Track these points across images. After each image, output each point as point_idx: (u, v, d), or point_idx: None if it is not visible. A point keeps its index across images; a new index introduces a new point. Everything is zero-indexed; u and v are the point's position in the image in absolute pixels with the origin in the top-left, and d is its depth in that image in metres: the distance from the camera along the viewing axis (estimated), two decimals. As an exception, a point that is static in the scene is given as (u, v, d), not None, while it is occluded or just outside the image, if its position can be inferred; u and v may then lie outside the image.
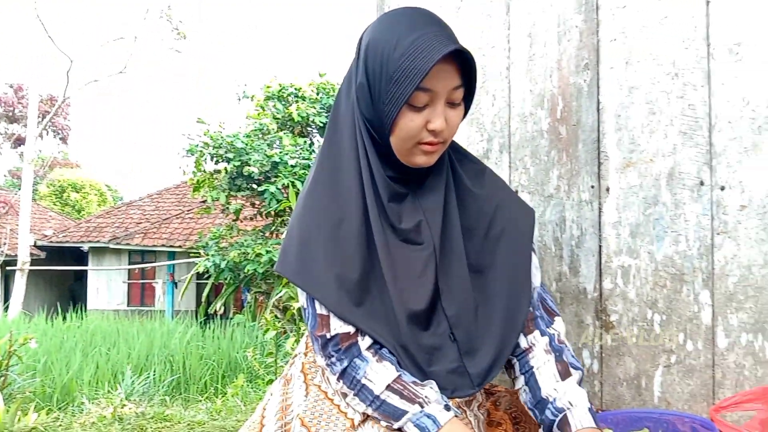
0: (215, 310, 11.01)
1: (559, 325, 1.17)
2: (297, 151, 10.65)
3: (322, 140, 1.18)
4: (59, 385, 5.86)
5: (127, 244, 16.05)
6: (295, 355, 1.24)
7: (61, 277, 18.37)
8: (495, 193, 1.18)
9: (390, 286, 1.06)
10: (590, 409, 1.07)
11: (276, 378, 1.27)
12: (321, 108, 11.38)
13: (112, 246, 16.20)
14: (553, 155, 1.50)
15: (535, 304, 1.17)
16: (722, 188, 1.25)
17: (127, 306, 16.65)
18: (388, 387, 1.03)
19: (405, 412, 1.01)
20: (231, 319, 10.08)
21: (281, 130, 11.21)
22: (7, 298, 14.49)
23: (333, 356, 1.06)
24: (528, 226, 1.18)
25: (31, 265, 15.07)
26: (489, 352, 1.10)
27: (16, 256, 15.14)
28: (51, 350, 7.09)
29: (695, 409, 1.27)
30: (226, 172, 10.54)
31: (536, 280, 1.18)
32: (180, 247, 15.23)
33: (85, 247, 16.49)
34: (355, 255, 1.06)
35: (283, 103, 11.46)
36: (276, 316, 6.72)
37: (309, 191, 1.12)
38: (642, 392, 1.35)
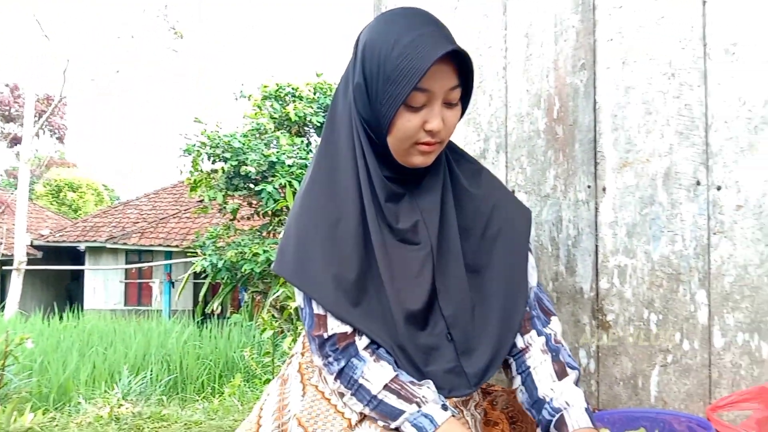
0: (212, 310, 10.99)
1: (555, 325, 1.17)
2: (294, 150, 10.64)
3: (319, 140, 1.18)
4: (56, 385, 5.84)
5: (124, 243, 16.02)
6: (292, 355, 1.24)
7: (58, 276, 18.34)
8: (492, 193, 1.18)
9: (387, 286, 1.06)
10: (587, 409, 1.07)
11: (273, 378, 1.26)
12: (318, 108, 11.37)
13: (108, 245, 16.17)
14: (549, 155, 1.50)
15: (532, 304, 1.17)
16: (718, 188, 1.25)
17: (124, 306, 16.62)
18: (386, 387, 1.03)
19: (402, 412, 1.01)
20: (228, 318, 10.06)
21: (278, 130, 11.20)
22: (3, 298, 14.45)
23: (330, 356, 1.06)
24: (524, 226, 1.19)
25: (27, 264, 15.04)
26: (486, 351, 1.10)
27: (12, 255, 15.12)
28: (47, 350, 7.07)
29: (692, 408, 1.27)
30: (223, 171, 10.53)
31: (533, 279, 1.18)
32: (177, 246, 15.21)
33: (82, 246, 16.45)
34: (352, 255, 1.06)
35: (281, 102, 11.45)
36: (273, 316, 6.71)
37: (306, 191, 1.12)
38: (639, 392, 1.35)
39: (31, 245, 16.27)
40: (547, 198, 1.51)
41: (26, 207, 15.27)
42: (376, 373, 1.03)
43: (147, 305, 16.54)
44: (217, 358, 7.34)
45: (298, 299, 1.11)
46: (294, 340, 4.72)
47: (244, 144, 10.44)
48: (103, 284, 16.87)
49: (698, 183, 1.27)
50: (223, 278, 10.32)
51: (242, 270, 9.76)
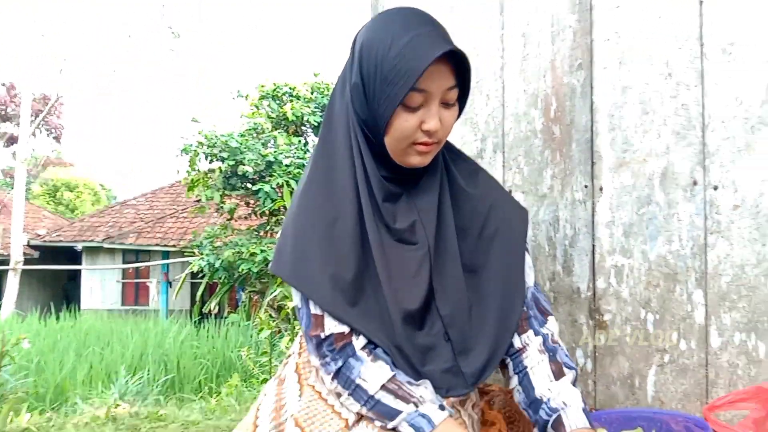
0: (209, 310, 10.98)
1: (552, 325, 1.17)
2: (291, 150, 10.64)
3: (316, 140, 1.18)
4: (52, 385, 5.83)
5: (121, 243, 16.00)
6: (289, 355, 1.24)
7: (55, 276, 18.30)
8: (489, 192, 1.18)
9: (384, 286, 1.06)
10: (584, 409, 1.07)
11: (270, 377, 1.26)
12: (316, 107, 11.37)
13: (106, 245, 16.15)
14: (546, 155, 1.50)
15: (529, 304, 1.17)
16: (715, 188, 1.25)
17: (121, 305, 16.59)
18: (383, 387, 1.03)
19: (399, 412, 1.01)
20: (225, 318, 10.05)
21: (275, 130, 11.19)
22: (0, 298, 14.42)
23: (327, 356, 1.06)
24: (521, 226, 1.19)
25: (24, 264, 15.00)
26: (483, 351, 1.10)
27: (8, 255, 15.08)
28: (44, 350, 7.07)
29: (688, 408, 1.27)
30: (221, 171, 10.52)
31: (530, 279, 1.18)
32: (174, 246, 15.20)
33: (79, 246, 16.43)
34: (349, 254, 1.06)
35: (278, 102, 11.44)
36: (270, 316, 6.71)
37: (304, 190, 1.12)
38: (635, 391, 1.35)
39: (28, 245, 16.24)
40: (544, 198, 1.51)
41: (23, 206, 15.24)
42: (374, 373, 1.03)
43: (144, 305, 16.52)
44: (214, 357, 7.33)
45: (296, 299, 1.11)
46: (291, 340, 4.72)
47: (241, 144, 10.44)
48: (100, 284, 16.84)
49: (695, 183, 1.27)
50: (220, 278, 10.32)
51: (239, 270, 9.75)
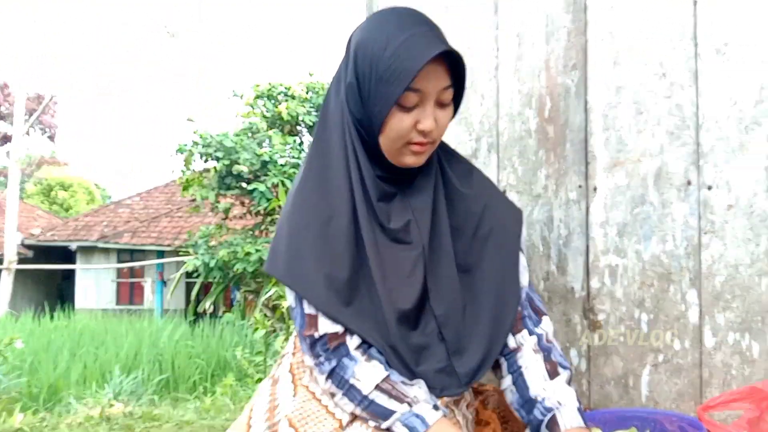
0: (204, 309, 10.97)
1: (546, 325, 1.17)
2: (287, 150, 10.64)
3: (311, 139, 1.18)
4: (46, 385, 5.81)
5: (116, 242, 15.96)
6: (283, 355, 1.24)
7: (49, 276, 18.24)
8: (483, 192, 1.18)
9: (379, 286, 1.06)
10: (579, 409, 1.07)
11: (265, 377, 1.26)
12: (311, 107, 11.36)
13: (100, 245, 16.10)
14: (540, 155, 1.50)
15: (523, 304, 1.17)
16: (709, 188, 1.25)
17: (116, 305, 16.55)
18: (377, 387, 1.02)
19: (393, 412, 1.01)
20: (220, 317, 10.04)
21: (271, 129, 11.18)
22: (-6, 298, 14.37)
23: (321, 356, 1.06)
24: (516, 226, 1.19)
25: (18, 264, 14.95)
26: (477, 351, 1.10)
27: (2, 254, 15.02)
28: (38, 350, 7.04)
29: (683, 408, 1.27)
30: (216, 171, 10.51)
31: (524, 279, 1.18)
32: (169, 246, 15.17)
33: (73, 245, 16.38)
34: (344, 254, 1.05)
35: (273, 102, 11.43)
36: (265, 315, 6.71)
37: (298, 189, 1.12)
38: (629, 391, 1.35)
39: (22, 244, 16.17)
40: (538, 198, 1.51)
41: (17, 206, 15.18)
42: (368, 373, 1.03)
43: (139, 305, 16.49)
44: (209, 357, 7.33)
45: (290, 298, 1.10)
46: (286, 340, 4.71)
47: (236, 143, 10.42)
48: (94, 284, 16.79)
49: (689, 183, 1.27)
50: (215, 278, 10.31)
51: (234, 269, 9.74)
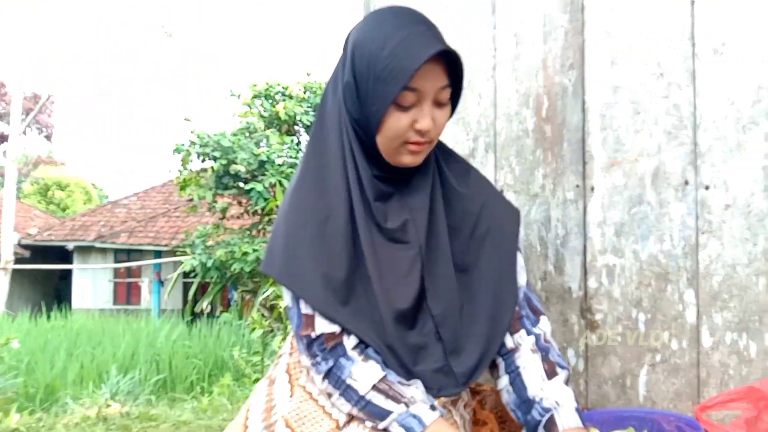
0: (202, 309, 10.96)
1: (544, 325, 1.17)
2: (284, 149, 10.63)
3: (308, 139, 1.18)
4: (43, 385, 5.79)
5: (113, 242, 15.93)
6: (280, 355, 1.24)
7: (46, 276, 18.21)
8: (480, 192, 1.18)
9: (376, 286, 1.06)
10: (577, 409, 1.07)
11: (263, 377, 1.26)
12: (308, 107, 11.36)
13: (97, 245, 16.08)
14: (538, 154, 1.50)
15: (521, 303, 1.17)
16: (707, 187, 1.25)
17: (113, 305, 16.52)
18: (374, 387, 1.02)
19: (390, 412, 1.01)
20: (218, 317, 10.02)
21: (268, 129, 11.17)
22: (-9, 298, 14.33)
23: (318, 356, 1.05)
24: (513, 226, 1.18)
25: (14, 263, 14.92)
26: (474, 351, 1.10)
27: (-1, 254, 14.99)
28: (34, 350, 7.02)
29: (680, 407, 1.27)
30: (213, 170, 10.50)
31: (522, 279, 1.18)
32: (166, 245, 15.15)
33: (70, 245, 16.35)
34: (341, 253, 1.05)
35: (270, 101, 11.42)
36: (263, 315, 6.70)
37: (295, 189, 1.11)
38: (627, 391, 1.35)
39: (19, 244, 16.14)
40: (535, 197, 1.51)
41: (14, 205, 15.15)
42: (364, 373, 1.03)
43: (136, 304, 16.47)
44: (206, 357, 7.32)
45: (286, 298, 1.10)
46: (284, 339, 4.71)
47: (233, 143, 10.41)
48: (91, 283, 16.76)
49: (686, 182, 1.27)
50: (212, 277, 10.30)
51: (232, 269, 9.73)
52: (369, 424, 1.03)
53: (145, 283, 16.55)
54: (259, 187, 9.97)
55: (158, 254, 15.62)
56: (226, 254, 9.78)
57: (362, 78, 1.04)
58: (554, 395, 1.08)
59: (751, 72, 1.21)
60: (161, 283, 15.46)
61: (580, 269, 1.42)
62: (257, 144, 10.76)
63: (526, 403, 1.09)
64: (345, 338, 1.05)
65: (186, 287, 14.03)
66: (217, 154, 10.36)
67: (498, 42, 1.59)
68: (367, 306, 1.06)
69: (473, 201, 1.16)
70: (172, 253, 14.25)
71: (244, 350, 6.07)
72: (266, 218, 10.34)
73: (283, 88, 11.55)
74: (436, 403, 1.04)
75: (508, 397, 1.13)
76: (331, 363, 1.04)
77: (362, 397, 1.02)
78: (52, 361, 6.69)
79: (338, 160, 1.09)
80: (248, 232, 10.59)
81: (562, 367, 1.12)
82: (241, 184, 10.53)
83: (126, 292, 17.07)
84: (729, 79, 1.23)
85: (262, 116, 11.35)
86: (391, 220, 1.09)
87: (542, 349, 1.13)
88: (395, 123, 1.04)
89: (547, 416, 1.06)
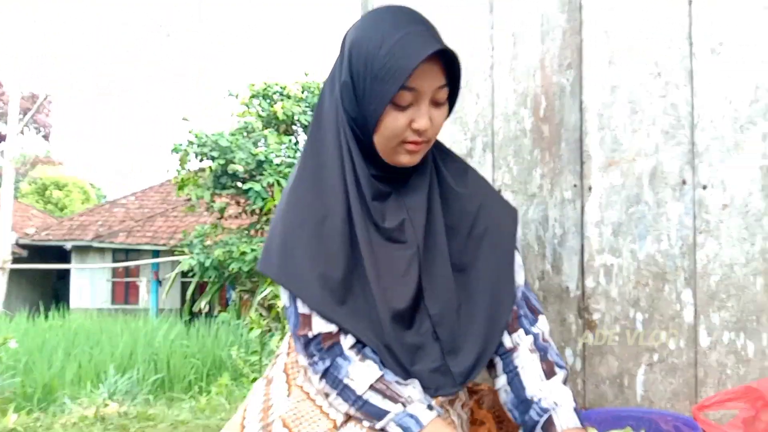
0: (200, 309, 10.96)
1: (543, 324, 1.17)
2: (282, 149, 10.63)
3: (306, 138, 1.17)
4: (40, 385, 5.78)
5: (111, 242, 15.92)
6: (278, 355, 1.24)
7: (44, 275, 18.19)
8: (478, 192, 1.18)
9: (373, 285, 1.05)
10: (575, 409, 1.07)
11: (261, 376, 1.26)
12: (306, 106, 11.35)
13: (95, 244, 16.06)
14: (536, 154, 1.50)
15: (519, 303, 1.17)
16: (704, 187, 1.25)
17: (111, 305, 16.51)
18: (371, 387, 1.02)
19: (387, 412, 1.00)
20: (216, 317, 10.02)
21: (266, 129, 11.17)
22: (-12, 298, 14.31)
23: (315, 355, 1.05)
24: (511, 225, 1.18)
25: (12, 263, 14.90)
26: (472, 350, 1.10)
27: (-3, 254, 14.96)
28: (32, 350, 7.01)
29: (678, 407, 1.27)
30: (211, 170, 10.49)
31: (520, 278, 1.18)
32: (164, 245, 15.15)
33: (68, 245, 16.33)
34: (338, 253, 1.05)
35: (268, 101, 11.42)
36: (261, 315, 6.69)
37: (292, 188, 1.11)
38: (625, 391, 1.35)
39: (17, 244, 16.12)
40: (533, 197, 1.51)
41: (11, 205, 15.13)
42: (362, 372, 1.03)
43: (134, 304, 16.46)
44: (204, 357, 7.31)
45: (283, 298, 1.10)
46: (282, 339, 4.70)
47: (231, 143, 10.41)
48: (89, 283, 16.75)
49: (684, 182, 1.27)
50: (210, 277, 10.29)
51: (230, 269, 9.73)
52: (366, 423, 1.03)
53: (143, 283, 16.54)
54: (257, 186, 9.97)
55: (156, 254, 15.61)
56: (224, 254, 9.78)
57: (359, 77, 1.04)
58: (552, 395, 1.08)
59: (749, 71, 1.21)
60: (159, 282, 15.45)
61: (578, 269, 1.42)
62: (255, 144, 10.76)
63: (524, 403, 1.09)
64: (342, 338, 1.05)
65: (184, 287, 14.03)
66: (215, 153, 10.35)
67: (496, 42, 1.59)
68: (365, 305, 1.06)
69: (471, 200, 1.16)
70: (170, 252, 14.25)
71: (242, 350, 6.07)
72: (264, 218, 10.33)
73: (281, 87, 11.55)
74: (433, 402, 1.04)
75: (505, 396, 1.12)
76: (328, 363, 1.04)
77: (359, 397, 1.02)
78: (50, 360, 6.68)
79: (335, 160, 1.09)
80: (246, 232, 10.59)
81: (561, 367, 1.12)
82: (239, 184, 10.53)
83: (124, 292, 17.06)
84: (727, 79, 1.23)
85: (260, 116, 11.34)
86: (388, 219, 1.09)
87: (540, 349, 1.13)
88: (392, 122, 1.04)
89: (545, 416, 1.06)
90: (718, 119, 1.24)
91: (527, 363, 1.12)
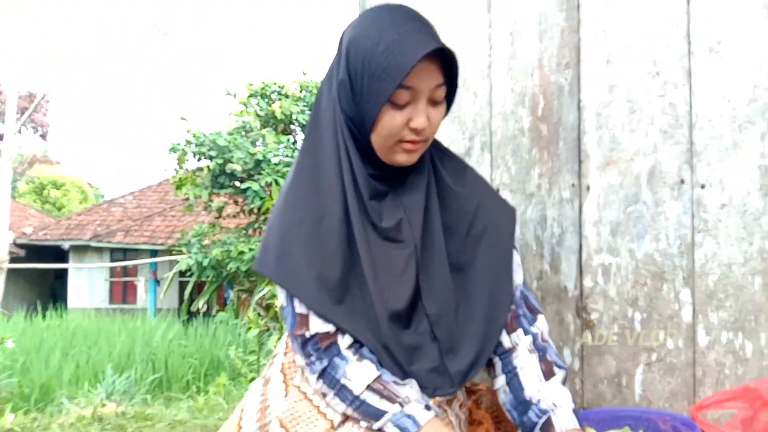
0: (198, 308, 10.95)
1: (542, 324, 1.17)
2: (280, 148, 10.62)
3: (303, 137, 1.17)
4: (38, 385, 5.78)
5: (109, 241, 15.90)
6: (275, 355, 1.23)
7: (42, 275, 18.15)
8: (476, 191, 1.17)
9: (371, 285, 1.05)
10: (575, 410, 1.06)
11: (259, 376, 1.25)
12: (305, 106, 11.34)
13: (93, 244, 16.04)
14: (534, 154, 1.50)
15: (518, 302, 1.16)
16: (703, 186, 1.25)
17: (109, 304, 16.49)
18: (368, 387, 1.02)
19: (385, 412, 1.00)
20: (214, 317, 10.02)
21: (264, 128, 11.16)
22: (-14, 297, 14.27)
23: (312, 355, 1.05)
24: (509, 225, 1.18)
25: (10, 263, 14.86)
26: (470, 350, 1.09)
27: (-6, 254, 14.93)
28: (30, 350, 7.01)
29: (676, 407, 1.27)
30: (209, 169, 10.48)
31: (518, 278, 1.18)
32: (162, 244, 15.13)
33: (66, 245, 16.31)
34: (336, 252, 1.05)
35: (266, 100, 11.41)
36: (259, 314, 6.69)
37: (290, 187, 1.11)
38: (623, 390, 1.35)
39: (14, 243, 16.08)
40: (531, 196, 1.50)
41: (8, 204, 15.09)
42: (359, 372, 1.02)
43: (132, 304, 16.44)
44: (202, 356, 7.31)
45: (280, 297, 1.09)
46: (280, 339, 4.70)
47: (229, 142, 10.40)
48: (87, 283, 16.72)
49: (682, 181, 1.27)
50: (208, 276, 10.29)
51: (228, 268, 9.73)
52: (364, 424, 1.02)
53: (141, 283, 16.52)
54: (255, 186, 9.97)
55: (154, 253, 15.59)
56: (222, 253, 9.77)
57: (357, 76, 1.03)
58: (551, 397, 1.07)
59: (747, 70, 1.21)
60: (157, 282, 15.44)
61: (576, 268, 1.42)
62: (253, 143, 10.75)
63: (522, 404, 1.09)
64: (339, 338, 1.05)
65: (182, 286, 14.02)
66: (213, 153, 10.35)
67: (494, 40, 1.59)
68: (362, 305, 1.05)
69: (469, 200, 1.15)
70: (168, 252, 14.23)
71: (240, 349, 6.07)
72: (262, 217, 10.33)
73: (279, 87, 11.54)
74: (431, 402, 1.04)
75: (504, 397, 1.12)
76: (325, 362, 1.04)
77: (357, 397, 1.01)
78: (48, 360, 6.67)
79: (333, 159, 1.08)
80: (244, 231, 10.59)
81: (560, 367, 1.12)
82: (237, 183, 10.52)
83: (122, 292, 17.04)
84: (725, 78, 1.23)
85: (258, 115, 11.33)
86: (386, 219, 1.09)
87: (540, 349, 1.13)
88: (390, 121, 1.03)
89: (544, 418, 1.06)
90: (717, 118, 1.23)
91: (526, 363, 1.11)
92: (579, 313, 1.41)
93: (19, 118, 16.33)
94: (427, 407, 1.01)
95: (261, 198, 9.86)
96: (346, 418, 1.05)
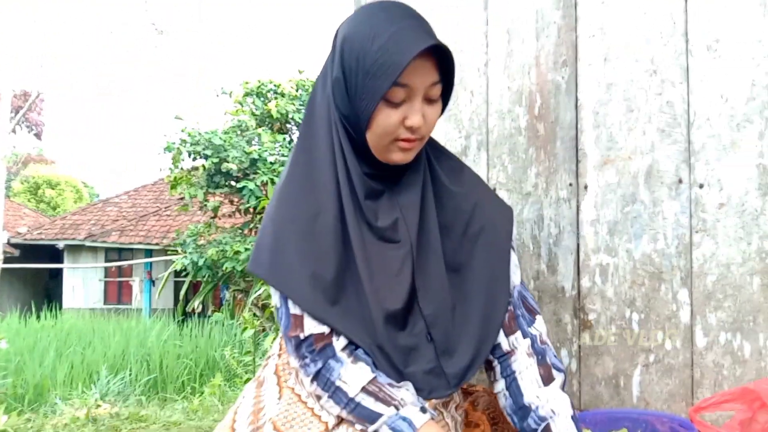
0: (193, 309, 10.92)
1: (540, 325, 1.16)
2: (276, 147, 10.60)
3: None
4: (32, 386, 5.75)
5: (104, 241, 15.86)
6: (269, 357, 1.22)
7: (36, 275, 18.10)
8: (473, 190, 1.16)
9: (366, 285, 1.04)
10: (573, 417, 1.05)
11: (254, 377, 1.24)
12: (300, 104, 11.33)
13: (88, 244, 15.99)
14: (531, 153, 1.49)
15: (516, 303, 1.15)
16: (701, 186, 1.24)
17: (104, 304, 16.44)
18: (363, 389, 1.00)
19: (380, 415, 0.99)
20: (209, 317, 9.99)
21: (260, 127, 11.14)
22: (-21, 297, 14.23)
23: (307, 357, 1.03)
24: (506, 225, 1.17)
25: (4, 263, 14.81)
26: (467, 351, 1.08)
27: (-11, 253, 14.88)
28: (24, 350, 6.97)
29: (674, 408, 1.26)
30: (204, 169, 10.45)
31: (516, 278, 1.17)
32: (157, 244, 15.09)
33: (61, 244, 16.26)
34: (330, 252, 1.03)
35: (262, 99, 11.39)
36: (255, 314, 6.68)
37: (284, 186, 1.09)
38: (620, 392, 1.34)
39: (8, 243, 16.02)
40: (528, 196, 1.49)
41: (3, 204, 15.04)
42: (354, 374, 1.01)
43: (127, 304, 16.40)
44: (197, 357, 7.28)
45: (274, 298, 1.08)
46: (275, 339, 4.69)
47: (225, 141, 10.38)
48: (82, 283, 16.67)
49: (680, 181, 1.26)
50: (203, 276, 10.26)
51: (223, 268, 9.70)
52: (359, 426, 1.01)
53: (136, 283, 16.48)
54: (250, 185, 9.94)
55: (149, 253, 15.56)
56: (218, 253, 9.74)
57: (351, 73, 1.02)
58: (550, 403, 1.06)
59: (745, 69, 1.20)
60: (152, 282, 15.40)
61: (573, 268, 1.41)
62: (249, 142, 10.73)
63: (522, 409, 1.08)
64: (334, 339, 1.03)
65: (177, 286, 13.98)
66: (208, 152, 10.31)
67: (490, 38, 1.57)
68: (357, 306, 1.04)
69: (466, 199, 1.14)
70: (164, 252, 14.19)
71: (235, 350, 6.06)
72: (258, 217, 10.30)
73: (275, 85, 11.52)
74: (427, 405, 1.03)
75: (504, 401, 1.11)
76: (320, 364, 1.02)
77: (351, 400, 1.00)
78: (42, 361, 6.64)
79: (327, 157, 1.07)
80: (240, 231, 10.56)
81: (559, 370, 1.11)
82: (233, 183, 10.49)
83: (117, 292, 16.99)
84: (723, 76, 1.22)
85: (253, 114, 11.31)
86: (381, 218, 1.08)
87: (538, 352, 1.12)
88: (385, 119, 1.02)
89: (542, 425, 1.05)
90: (715, 117, 1.22)
91: (524, 368, 1.10)
92: (576, 314, 1.40)
93: (13, 117, 16.28)
94: (423, 410, 1.00)
95: (257, 197, 9.83)
96: (340, 420, 1.03)
